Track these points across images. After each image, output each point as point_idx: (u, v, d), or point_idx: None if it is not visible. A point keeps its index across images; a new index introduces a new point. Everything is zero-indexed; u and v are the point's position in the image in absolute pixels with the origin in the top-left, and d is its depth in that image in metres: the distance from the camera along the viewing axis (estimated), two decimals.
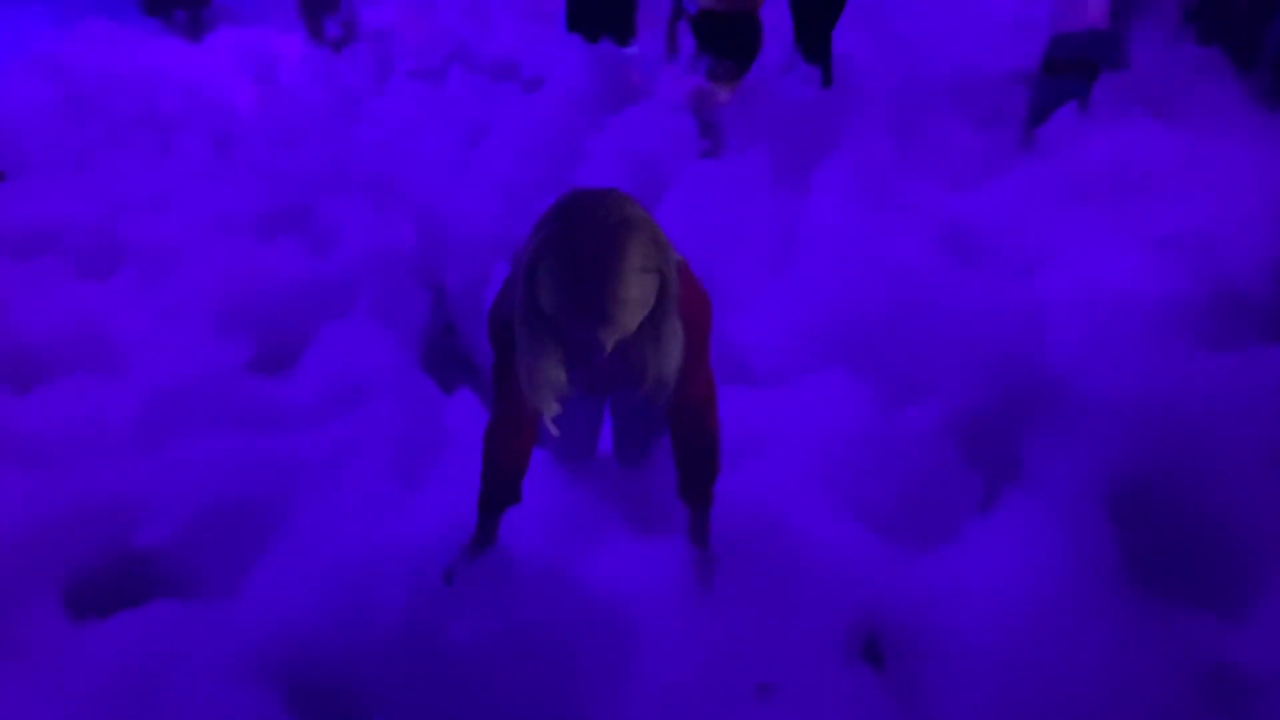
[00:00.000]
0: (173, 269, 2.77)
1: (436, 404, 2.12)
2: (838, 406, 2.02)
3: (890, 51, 4.81)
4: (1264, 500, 1.62)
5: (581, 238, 1.04)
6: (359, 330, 2.38)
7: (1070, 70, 3.76)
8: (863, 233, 2.66)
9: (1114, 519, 1.63)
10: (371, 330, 2.39)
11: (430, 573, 1.63)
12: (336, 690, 1.51)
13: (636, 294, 1.06)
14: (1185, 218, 2.63)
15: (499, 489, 1.51)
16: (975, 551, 1.64)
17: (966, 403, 2.00)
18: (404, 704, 1.46)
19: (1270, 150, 3.29)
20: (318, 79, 4.93)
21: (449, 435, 2.00)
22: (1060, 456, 1.80)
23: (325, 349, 2.32)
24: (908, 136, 3.52)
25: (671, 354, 1.21)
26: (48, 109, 4.15)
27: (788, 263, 2.69)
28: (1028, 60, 4.11)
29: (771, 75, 4.23)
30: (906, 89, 4.04)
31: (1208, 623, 1.52)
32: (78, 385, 2.10)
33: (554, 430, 1.39)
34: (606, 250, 1.03)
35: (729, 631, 1.62)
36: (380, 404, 2.07)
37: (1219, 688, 1.43)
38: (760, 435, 2.01)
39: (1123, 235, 2.57)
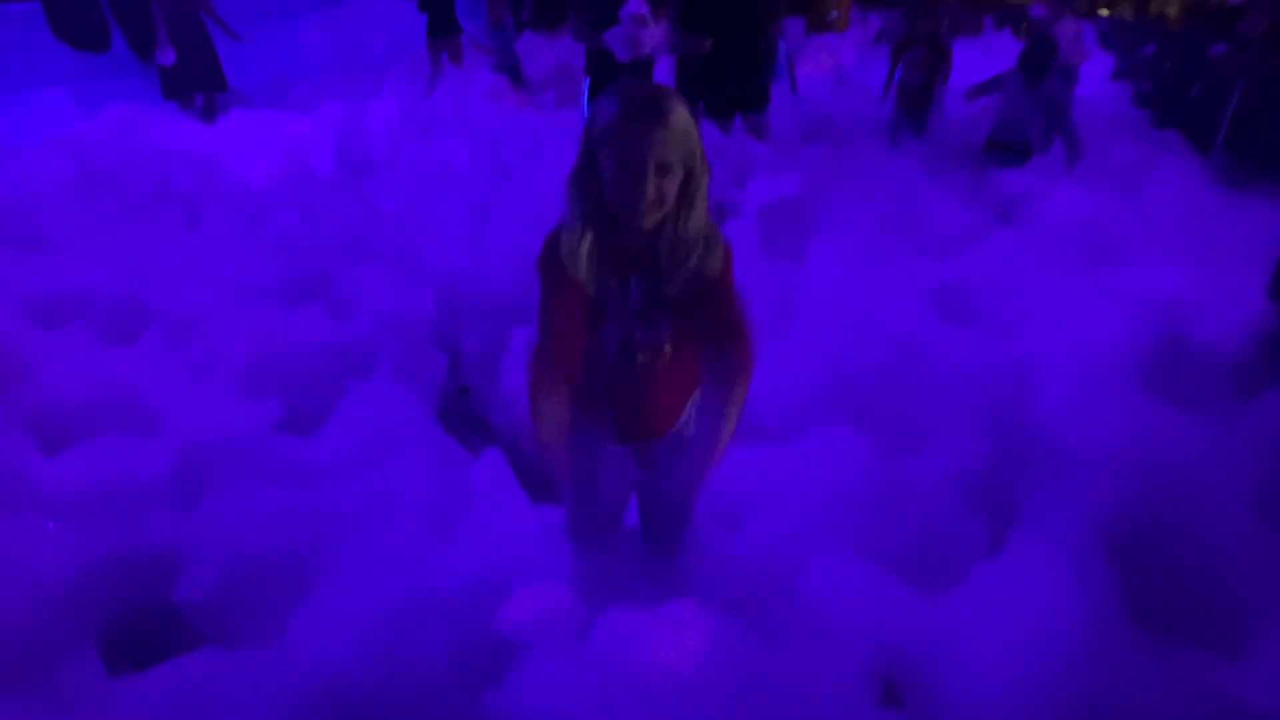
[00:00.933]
0: (199, 334, 2.87)
1: (462, 462, 2.20)
2: (844, 460, 2.12)
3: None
4: (1250, 541, 1.73)
5: (632, 87, 1.26)
6: (382, 392, 2.47)
7: (1006, 150, 4.41)
8: (856, 296, 2.83)
9: (1113, 562, 1.73)
10: (395, 392, 2.48)
11: (466, 622, 1.68)
12: None
13: (683, 119, 1.23)
14: (1154, 283, 2.82)
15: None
16: (986, 594, 1.72)
17: (965, 454, 2.12)
18: None
19: (1231, 223, 3.55)
20: (331, 155, 5.17)
21: (475, 490, 2.07)
22: (1057, 504, 1.90)
23: (351, 410, 2.41)
24: (893, 209, 3.74)
25: (700, 223, 1.30)
26: (70, 185, 4.31)
27: (787, 325, 2.84)
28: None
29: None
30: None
31: (1210, 662, 1.60)
32: (111, 445, 2.16)
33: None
34: (659, 89, 1.26)
35: (754, 679, 1.66)
36: (408, 461, 2.15)
37: None
38: (773, 489, 2.10)
39: (1098, 298, 2.76)
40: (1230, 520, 1.80)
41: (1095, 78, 7.20)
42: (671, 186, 1.24)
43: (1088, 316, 2.60)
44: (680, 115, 1.22)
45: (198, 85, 5.92)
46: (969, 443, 2.13)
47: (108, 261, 3.42)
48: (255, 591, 1.77)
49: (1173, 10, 15.55)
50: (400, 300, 3.18)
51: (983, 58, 7.03)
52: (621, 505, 1.74)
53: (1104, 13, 10.60)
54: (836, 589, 1.79)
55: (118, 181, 4.38)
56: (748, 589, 1.85)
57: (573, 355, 1.38)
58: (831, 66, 7.60)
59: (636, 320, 1.37)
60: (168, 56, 5.40)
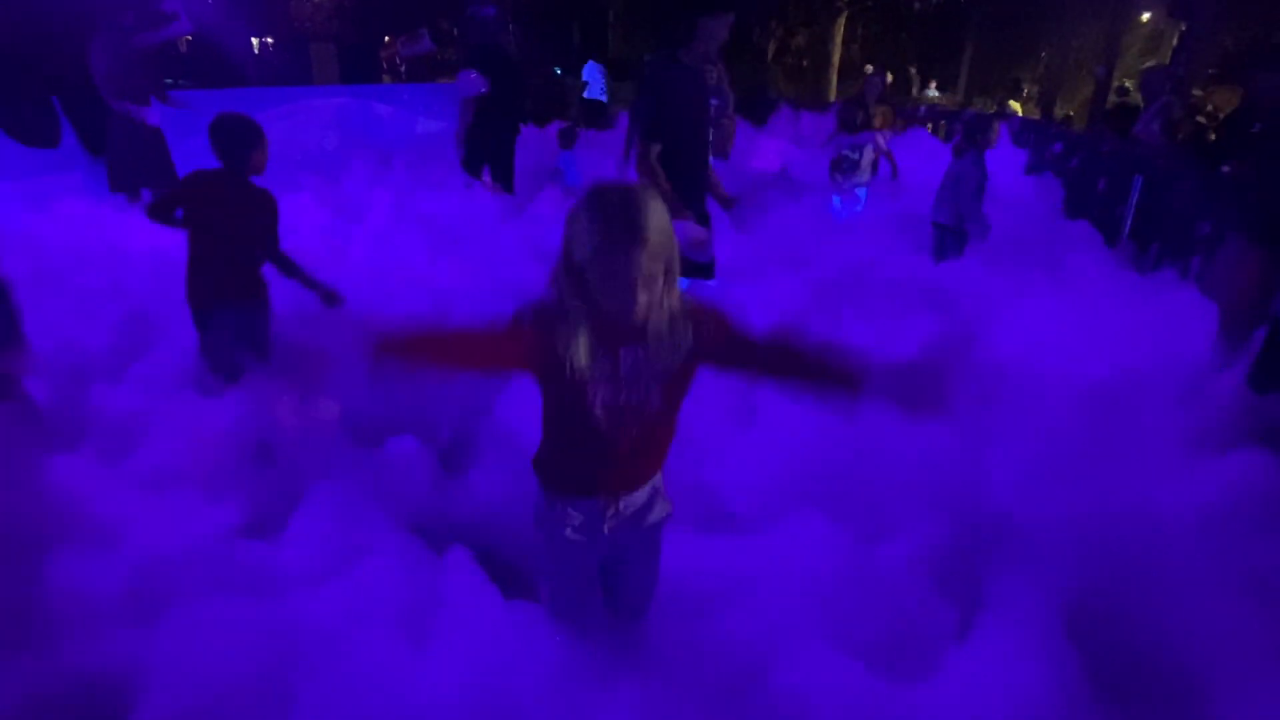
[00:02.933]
0: (146, 436, 2.79)
1: (431, 563, 2.16)
2: (813, 548, 2.17)
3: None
4: (1203, 607, 1.83)
5: (609, 192, 1.29)
6: (343, 491, 2.43)
7: (945, 232, 4.78)
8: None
9: (1074, 638, 1.80)
10: (356, 491, 2.44)
11: None
12: None
13: (660, 224, 1.28)
14: (1089, 363, 3.03)
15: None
16: (957, 680, 1.76)
17: (929, 537, 2.19)
18: None
19: (1142, 307, 3.84)
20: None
21: (447, 594, 2.04)
22: (1018, 582, 1.98)
23: (312, 511, 2.36)
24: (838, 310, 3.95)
25: (683, 320, 1.40)
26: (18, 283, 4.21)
27: (750, 415, 2.93)
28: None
29: None
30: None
31: None
32: (57, 558, 2.06)
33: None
34: (631, 195, 1.29)
35: None
36: (375, 565, 2.11)
37: None
38: (743, 578, 2.13)
39: (1039, 380, 2.94)
40: (1185, 591, 1.91)
41: (1012, 170, 7.82)
42: (658, 284, 1.33)
43: (1032, 397, 2.77)
44: (655, 218, 1.28)
45: (146, 179, 5.91)
46: (932, 527, 2.21)
47: (51, 364, 3.32)
48: (218, 716, 1.69)
49: (1073, 111, 17.10)
50: (354, 395, 3.16)
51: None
52: (593, 581, 1.76)
53: (1016, 109, 11.58)
54: (809, 679, 1.81)
55: (67, 280, 4.30)
56: (721, 679, 1.86)
57: (427, 351, 1.40)
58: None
59: (625, 386, 1.43)
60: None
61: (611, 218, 1.28)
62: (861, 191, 6.08)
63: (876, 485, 2.49)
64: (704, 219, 3.60)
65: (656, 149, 3.15)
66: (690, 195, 3.30)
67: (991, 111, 10.18)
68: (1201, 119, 5.81)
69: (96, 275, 4.11)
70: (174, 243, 4.98)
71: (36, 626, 1.82)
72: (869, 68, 8.47)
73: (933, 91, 17.33)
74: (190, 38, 10.09)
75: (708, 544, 2.24)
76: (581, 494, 1.58)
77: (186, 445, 2.72)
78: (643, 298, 1.30)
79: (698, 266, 3.41)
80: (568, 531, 1.60)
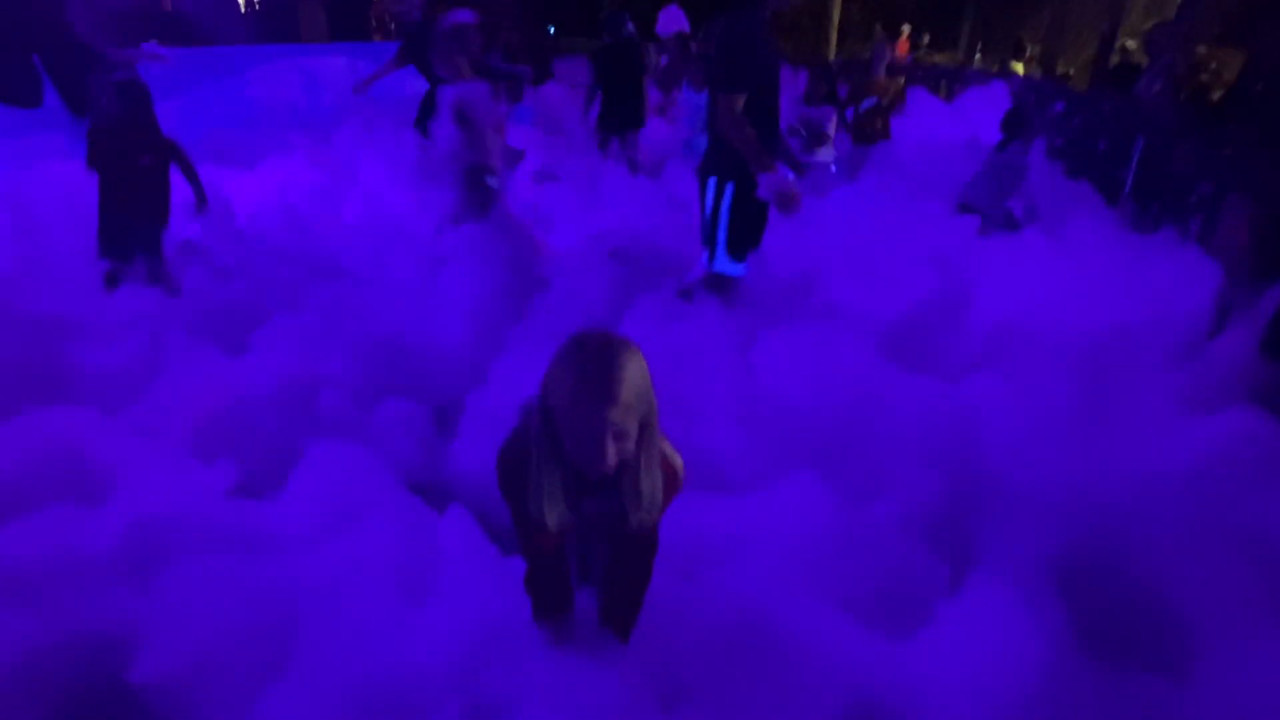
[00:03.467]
0: (143, 393, 2.78)
1: (430, 522, 2.17)
2: (807, 506, 2.18)
3: None
4: (1193, 564, 1.85)
5: (589, 343, 1.28)
6: (340, 451, 2.42)
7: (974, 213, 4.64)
8: (812, 344, 2.94)
9: (1063, 594, 1.82)
10: (353, 451, 2.44)
11: (443, 694, 1.65)
12: None
13: (636, 382, 1.26)
14: (1085, 321, 3.03)
15: (552, 609, 1.67)
16: (949, 634, 1.79)
17: (922, 496, 2.20)
18: None
19: (1141, 268, 3.83)
20: (274, 211, 5.11)
21: (445, 552, 2.05)
22: (1009, 540, 2.00)
23: (309, 471, 2.35)
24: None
25: (656, 480, 1.41)
26: (5, 237, 4.18)
27: (744, 375, 2.92)
28: None
29: None
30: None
31: (1159, 685, 1.69)
32: (53, 516, 2.05)
33: None
34: (610, 349, 1.26)
35: None
36: (372, 524, 2.11)
37: None
38: (739, 538, 2.14)
39: (1036, 340, 2.94)
40: (1175, 541, 1.93)
41: None
42: (630, 442, 1.31)
43: (1030, 356, 2.77)
44: (633, 376, 1.25)
45: None
46: (925, 486, 2.22)
47: (41, 318, 3.29)
48: (217, 672, 1.70)
49: (1074, 70, 16.84)
50: (349, 357, 3.15)
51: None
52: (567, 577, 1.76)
53: (1018, 69, 11.40)
54: (803, 636, 1.83)
55: (50, 235, 4.24)
56: (714, 636, 1.88)
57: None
58: None
59: (585, 536, 1.53)
60: None
61: (587, 372, 1.25)
62: (830, 164, 6.02)
63: (869, 444, 2.49)
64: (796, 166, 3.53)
65: (741, 101, 3.03)
66: (770, 149, 3.17)
67: (995, 71, 10.02)
68: (1205, 77, 5.71)
69: (83, 236, 4.05)
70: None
71: (32, 583, 1.83)
72: (880, 31, 8.29)
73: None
74: None
75: (699, 503, 2.24)
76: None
77: (180, 403, 2.71)
78: (611, 453, 1.28)
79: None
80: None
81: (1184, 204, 4.44)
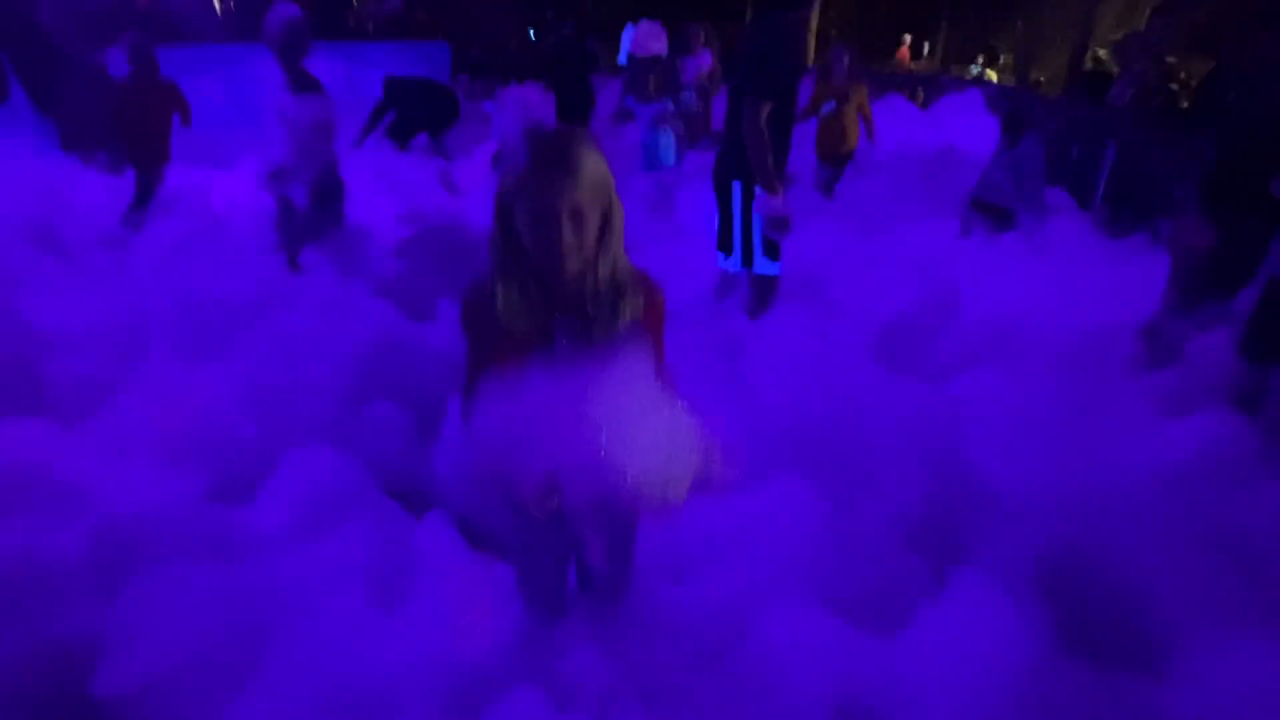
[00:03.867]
0: (110, 401, 2.70)
1: (405, 528, 2.13)
2: (793, 508, 2.18)
3: None
4: (1173, 565, 1.86)
5: (543, 132, 1.24)
6: (314, 457, 2.37)
7: (987, 210, 4.63)
8: (800, 345, 2.94)
9: (1046, 594, 1.83)
10: (327, 457, 2.39)
11: (418, 703, 1.62)
12: None
13: (594, 167, 1.23)
14: (1063, 328, 3.06)
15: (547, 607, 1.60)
16: (933, 635, 1.79)
17: (907, 498, 2.21)
18: None
19: (1113, 271, 3.89)
20: (246, 210, 5.01)
21: (419, 556, 2.01)
22: (993, 542, 2.01)
23: (282, 478, 2.31)
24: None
25: (626, 291, 1.33)
26: None
27: (731, 378, 2.92)
28: None
29: None
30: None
31: (1140, 685, 1.70)
32: (19, 526, 1.99)
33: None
34: (565, 135, 1.24)
35: None
36: (346, 530, 2.07)
37: None
38: (727, 539, 2.13)
39: (1013, 343, 2.97)
40: (1154, 543, 1.95)
41: (986, 138, 7.82)
42: (588, 233, 1.25)
43: (1008, 360, 2.79)
44: (592, 161, 1.23)
45: (100, 138, 5.68)
46: (909, 488, 2.23)
47: (11, 325, 3.20)
48: (187, 682, 1.65)
49: (1045, 77, 17.12)
50: (325, 358, 3.09)
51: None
52: (566, 558, 1.72)
53: (991, 76, 11.57)
54: (790, 636, 1.82)
55: (19, 243, 4.13)
56: (700, 639, 1.86)
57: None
58: None
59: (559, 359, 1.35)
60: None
61: (543, 155, 1.22)
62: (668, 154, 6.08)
63: (854, 447, 2.50)
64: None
65: (768, 108, 2.91)
66: (780, 161, 3.08)
67: (969, 78, 10.14)
68: (1175, 86, 5.82)
69: (50, 240, 3.95)
70: (126, 204, 4.84)
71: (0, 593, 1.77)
72: (836, 36, 8.30)
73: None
74: None
75: (686, 505, 2.23)
76: None
77: (150, 408, 2.64)
78: (572, 241, 1.23)
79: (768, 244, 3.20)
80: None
81: (1155, 209, 4.52)
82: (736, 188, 3.15)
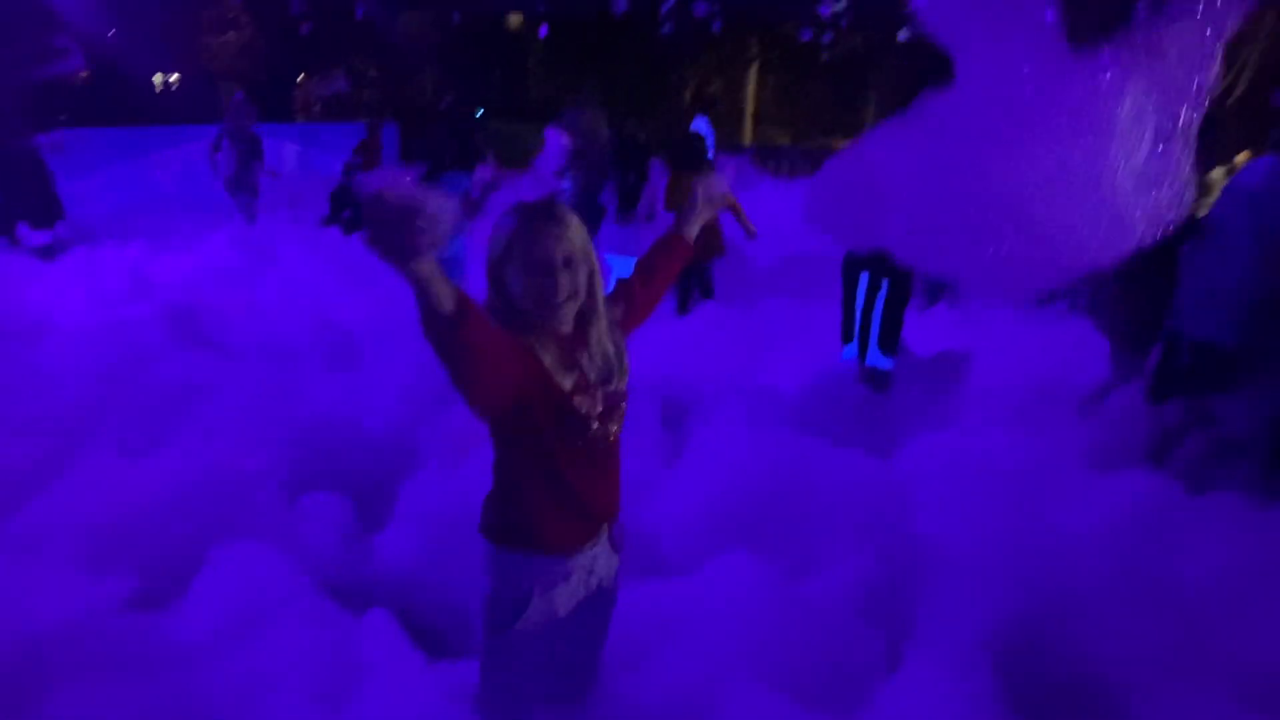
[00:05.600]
0: (22, 501, 2.55)
1: (347, 628, 2.04)
2: (743, 586, 2.16)
3: None
4: (1113, 626, 1.91)
5: (524, 202, 1.34)
6: (247, 554, 2.26)
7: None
8: (734, 420, 2.98)
9: (998, 665, 1.85)
10: (261, 553, 2.28)
11: None
12: None
13: (579, 231, 1.32)
14: (1015, 387, 3.19)
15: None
16: (888, 713, 1.78)
17: (856, 571, 2.22)
18: None
19: (1034, 336, 4.07)
20: (178, 292, 4.89)
21: (364, 658, 1.92)
22: (943, 613, 2.02)
23: (212, 578, 2.19)
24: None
25: (619, 341, 1.43)
26: None
27: (674, 453, 2.93)
28: None
29: None
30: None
31: None
32: None
33: None
34: (551, 201, 1.35)
35: None
36: (284, 632, 1.97)
37: None
38: (678, 622, 2.10)
39: (963, 405, 3.08)
40: (1096, 608, 1.99)
41: None
42: (580, 282, 1.32)
43: (955, 425, 2.88)
44: (576, 225, 1.33)
45: (29, 218, 5.56)
46: (858, 560, 2.25)
47: None
48: None
49: None
50: (257, 450, 2.98)
51: None
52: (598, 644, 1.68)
53: None
54: (750, 718, 1.78)
55: None
56: None
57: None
58: None
59: (600, 382, 1.38)
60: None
61: (532, 211, 1.32)
62: None
63: (800, 519, 2.51)
64: None
65: None
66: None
67: None
68: None
69: None
70: (54, 294, 4.68)
71: None
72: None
73: None
74: (89, 74, 9.61)
75: (637, 587, 2.20)
76: (579, 537, 1.44)
77: (71, 510, 2.49)
78: (565, 284, 1.29)
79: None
80: (558, 594, 1.44)
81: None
82: (864, 279, 3.34)
